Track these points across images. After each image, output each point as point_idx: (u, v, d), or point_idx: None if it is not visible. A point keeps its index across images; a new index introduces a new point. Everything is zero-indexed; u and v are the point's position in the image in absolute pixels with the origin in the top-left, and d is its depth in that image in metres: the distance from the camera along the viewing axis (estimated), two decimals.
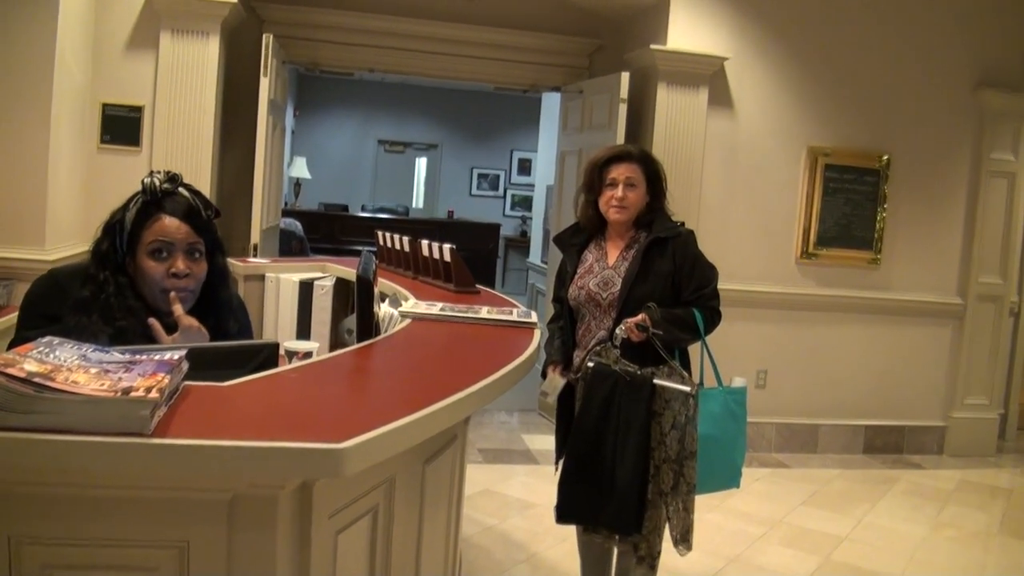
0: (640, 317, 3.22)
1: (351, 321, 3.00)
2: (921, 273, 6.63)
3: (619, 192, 3.39)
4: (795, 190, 6.38)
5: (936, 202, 6.63)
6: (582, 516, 3.38)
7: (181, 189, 2.34)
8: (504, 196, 15.84)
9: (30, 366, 1.45)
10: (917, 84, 6.46)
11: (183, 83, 5.41)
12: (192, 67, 5.41)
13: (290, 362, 2.42)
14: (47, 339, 1.63)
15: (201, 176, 5.35)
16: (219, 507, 1.54)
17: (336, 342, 4.18)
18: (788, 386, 6.46)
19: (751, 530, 4.91)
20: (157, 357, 1.65)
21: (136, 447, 1.41)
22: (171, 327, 2.25)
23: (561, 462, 3.44)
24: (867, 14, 6.32)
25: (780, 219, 6.38)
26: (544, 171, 9.26)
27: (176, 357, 1.67)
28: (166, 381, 1.52)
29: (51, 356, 1.54)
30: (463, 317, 3.12)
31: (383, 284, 3.86)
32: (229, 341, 2.34)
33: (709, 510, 4.85)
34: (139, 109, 5.41)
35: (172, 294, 2.26)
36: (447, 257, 3.99)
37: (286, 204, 11.93)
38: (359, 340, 2.60)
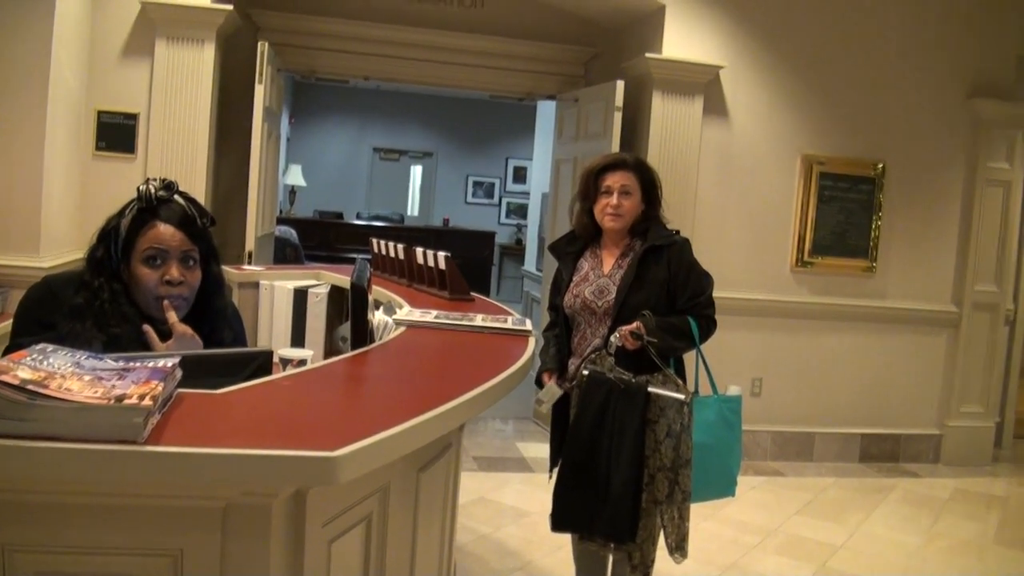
0: (635, 325, 3.22)
1: (345, 328, 3.01)
2: (916, 281, 6.64)
3: (614, 200, 3.40)
4: (790, 198, 6.39)
5: (931, 210, 6.64)
6: (577, 524, 3.36)
7: (176, 197, 2.34)
8: (499, 204, 15.84)
9: (24, 373, 1.45)
10: (911, 93, 6.48)
11: (178, 90, 5.40)
12: (187, 74, 5.41)
13: (284, 370, 2.42)
14: (41, 346, 1.63)
15: (196, 183, 5.35)
16: (213, 515, 1.54)
17: (330, 349, 4.19)
18: (783, 394, 6.46)
19: (746, 539, 4.91)
20: (151, 364, 1.64)
21: (129, 455, 1.40)
22: (165, 334, 2.25)
23: (556, 470, 3.43)
24: (861, 23, 6.33)
25: (775, 227, 6.39)
26: (539, 179, 9.28)
27: (170, 365, 1.66)
28: (160, 389, 1.52)
29: (45, 363, 1.53)
30: (458, 325, 3.12)
31: (378, 291, 3.86)
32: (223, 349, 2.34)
33: (704, 518, 4.85)
34: (134, 116, 5.40)
35: (166, 302, 2.25)
36: (442, 265, 4.00)
37: (281, 211, 11.91)
38: (353, 348, 2.60)
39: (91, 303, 2.22)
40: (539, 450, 6.01)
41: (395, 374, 2.40)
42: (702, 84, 6.07)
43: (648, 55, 5.97)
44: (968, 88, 6.55)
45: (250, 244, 5.78)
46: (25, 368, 1.48)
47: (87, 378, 1.51)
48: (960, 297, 6.68)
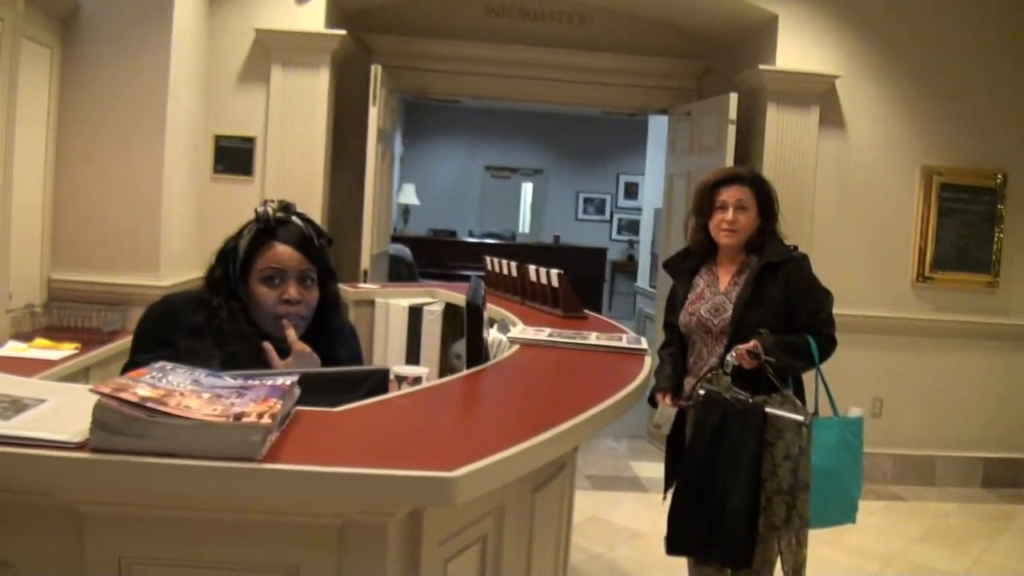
0: (751, 344, 3.16)
1: (460, 346, 3.01)
2: None
3: (729, 215, 3.34)
4: (909, 211, 6.18)
5: None
6: (692, 548, 3.29)
7: (294, 217, 2.37)
8: (610, 220, 15.78)
9: (143, 391, 1.47)
10: None
11: (294, 114, 5.53)
12: (302, 99, 5.53)
13: (400, 387, 2.43)
14: (160, 364, 1.66)
15: (312, 204, 5.46)
16: (329, 532, 1.54)
17: (445, 366, 4.20)
18: (905, 415, 6.23)
19: (866, 566, 4.74)
20: (269, 382, 1.66)
21: (247, 472, 1.42)
22: (284, 353, 2.27)
23: (670, 492, 3.37)
24: (980, 30, 6.10)
25: (894, 241, 6.19)
26: (651, 194, 9.19)
27: (288, 383, 1.68)
28: (278, 407, 1.53)
29: (164, 381, 1.56)
30: (572, 343, 3.09)
31: (491, 309, 3.86)
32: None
33: (822, 544, 4.68)
34: (251, 140, 5.55)
35: (285, 320, 2.28)
36: (555, 282, 3.98)
37: (395, 230, 12.07)
38: (469, 366, 2.60)
39: (210, 321, 2.26)
40: (653, 469, 5.92)
41: (510, 393, 2.39)
42: (817, 95, 5.94)
43: (761, 67, 5.88)
44: None
45: (365, 262, 5.87)
46: (144, 386, 1.50)
47: (206, 396, 1.52)
48: None
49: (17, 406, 1.57)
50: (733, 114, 5.95)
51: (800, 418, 3.12)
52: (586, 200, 15.84)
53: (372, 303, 4.56)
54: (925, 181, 6.15)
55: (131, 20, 4.77)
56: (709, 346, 3.37)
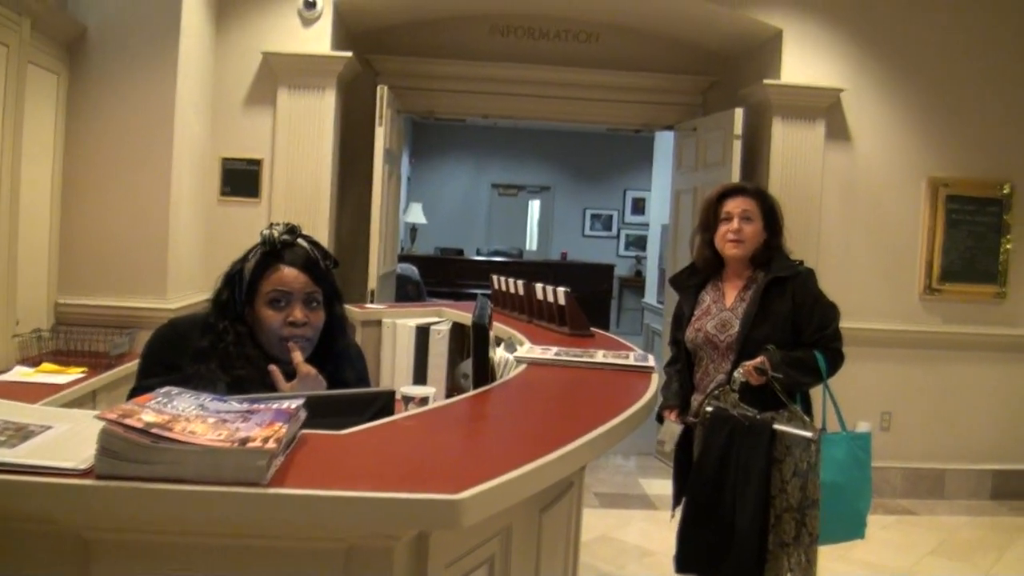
0: (759, 360, 3.15)
1: (467, 366, 3.00)
2: None
3: (735, 224, 3.35)
4: (916, 223, 6.17)
5: None
6: (702, 566, 3.27)
7: (300, 240, 2.37)
8: (618, 236, 15.79)
9: (148, 416, 1.47)
10: None
11: (300, 136, 5.55)
12: (309, 120, 5.56)
13: (407, 407, 2.43)
14: (166, 389, 1.66)
15: (319, 225, 5.47)
16: (335, 556, 1.53)
17: (452, 386, 4.20)
18: (914, 429, 6.20)
19: None
20: (275, 406, 1.66)
21: (253, 497, 1.42)
22: (290, 375, 2.27)
23: (679, 509, 3.36)
24: (984, 41, 6.10)
25: (901, 253, 6.17)
26: (658, 210, 9.20)
27: (294, 406, 1.68)
28: (283, 431, 1.52)
29: (169, 406, 1.56)
30: (579, 362, 3.09)
31: (498, 328, 3.86)
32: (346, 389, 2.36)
33: (833, 560, 4.67)
34: (258, 162, 5.57)
35: (291, 342, 2.28)
36: (561, 300, 3.97)
37: (402, 249, 12.11)
38: (475, 386, 2.60)
39: (216, 345, 2.25)
40: (662, 487, 5.90)
41: (517, 413, 2.39)
42: (823, 108, 5.95)
43: (766, 81, 5.88)
44: None
45: (372, 282, 5.88)
46: (150, 411, 1.50)
47: (211, 420, 1.53)
48: None
49: (23, 433, 1.57)
50: (739, 129, 5.95)
51: (809, 435, 3.11)
52: (593, 216, 15.86)
53: (379, 323, 4.56)
54: (931, 193, 6.14)
55: (137, 45, 4.80)
56: (716, 362, 3.36)
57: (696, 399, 3.42)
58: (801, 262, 3.42)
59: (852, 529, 3.26)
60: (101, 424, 1.43)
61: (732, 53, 6.73)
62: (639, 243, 14.74)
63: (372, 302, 5.67)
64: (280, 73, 5.55)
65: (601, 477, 6.26)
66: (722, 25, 6.29)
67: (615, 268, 14.19)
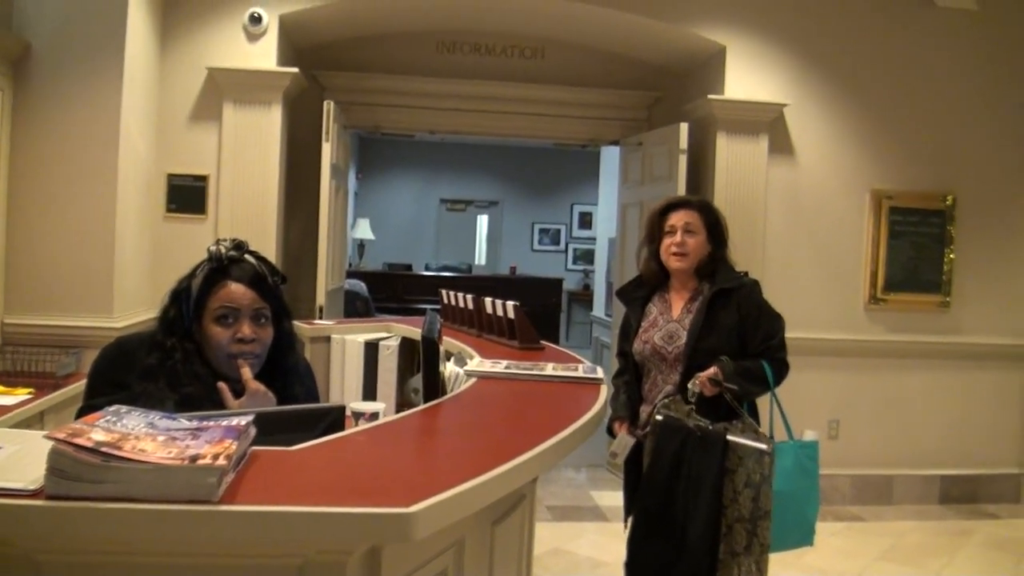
0: (712, 371, 3.18)
1: (417, 380, 3.01)
2: (993, 315, 6.44)
3: (678, 237, 3.39)
4: (860, 234, 6.28)
5: (1005, 241, 6.45)
6: (653, 574, 3.30)
7: (247, 256, 2.36)
8: (566, 250, 15.87)
9: (97, 435, 1.46)
10: (980, 123, 6.34)
11: (246, 152, 5.52)
12: (255, 136, 5.53)
13: (356, 423, 2.42)
14: (115, 408, 1.64)
15: (266, 241, 5.44)
16: (288, 573, 1.53)
17: (402, 401, 4.19)
18: (861, 436, 6.30)
19: None
20: (224, 423, 1.65)
21: (204, 514, 1.41)
22: (239, 392, 2.26)
23: (630, 519, 3.38)
24: (928, 54, 6.25)
25: (846, 265, 6.28)
26: (605, 224, 9.25)
27: (243, 423, 1.67)
28: (233, 447, 1.52)
29: (119, 425, 1.55)
30: (528, 375, 3.10)
31: (448, 342, 3.86)
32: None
33: (784, 566, 4.69)
34: (204, 178, 5.53)
35: (239, 359, 2.27)
36: (511, 314, 3.99)
37: (350, 265, 12.06)
38: (425, 400, 2.60)
39: (164, 363, 2.24)
40: (614, 498, 5.90)
41: (468, 427, 2.39)
42: (766, 123, 6.03)
43: (711, 96, 5.96)
44: None
45: (321, 298, 5.85)
46: (99, 430, 1.49)
47: (161, 439, 1.51)
48: None
49: None
50: (684, 144, 6.01)
51: (763, 447, 3.14)
52: (541, 231, 15.92)
53: (328, 340, 4.55)
54: (875, 205, 6.25)
55: (82, 61, 4.75)
56: (664, 373, 3.40)
57: (644, 410, 3.44)
58: (746, 273, 3.47)
59: (801, 536, 3.30)
60: (50, 444, 1.41)
61: (677, 69, 6.80)
62: (587, 257, 14.82)
63: (321, 318, 5.64)
64: (226, 88, 5.52)
65: (553, 490, 6.27)
66: (667, 42, 6.36)
67: (564, 282, 14.23)
